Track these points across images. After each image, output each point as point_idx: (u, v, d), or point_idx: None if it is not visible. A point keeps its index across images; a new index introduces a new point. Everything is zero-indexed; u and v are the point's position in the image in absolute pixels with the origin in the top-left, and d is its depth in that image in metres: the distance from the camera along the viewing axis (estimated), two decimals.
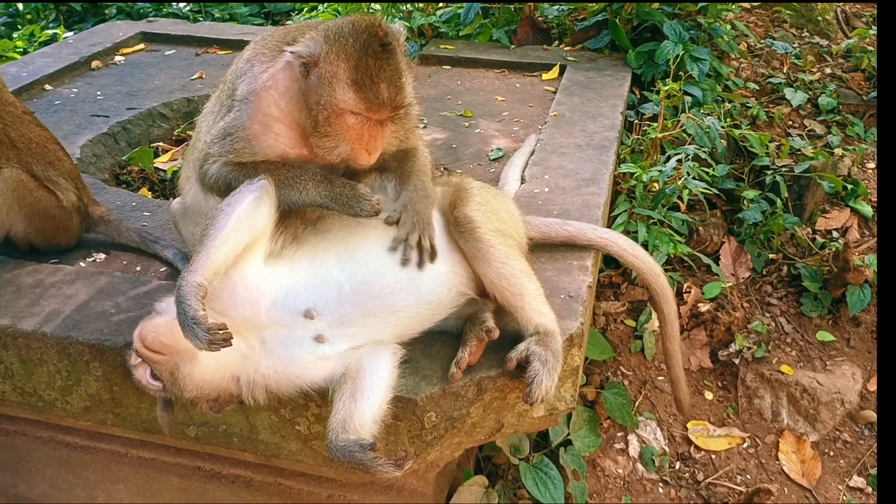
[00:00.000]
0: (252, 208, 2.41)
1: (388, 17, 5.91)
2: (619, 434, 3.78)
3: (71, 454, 3.32)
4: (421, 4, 6.17)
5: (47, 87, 4.99)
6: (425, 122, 4.53)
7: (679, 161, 3.93)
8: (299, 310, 2.42)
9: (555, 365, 2.42)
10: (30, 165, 3.12)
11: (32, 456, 3.39)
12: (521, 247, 2.70)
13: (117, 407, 2.77)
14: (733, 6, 5.52)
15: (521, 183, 3.67)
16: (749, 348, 3.99)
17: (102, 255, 3.25)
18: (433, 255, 2.52)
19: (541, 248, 3.01)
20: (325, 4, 7.14)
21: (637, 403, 3.87)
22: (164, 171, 4.36)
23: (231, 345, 2.17)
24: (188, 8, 8.84)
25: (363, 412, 2.33)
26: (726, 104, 4.81)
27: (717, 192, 4.29)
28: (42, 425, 3.28)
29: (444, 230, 2.63)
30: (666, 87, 4.21)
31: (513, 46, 5.61)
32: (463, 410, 2.51)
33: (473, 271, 2.59)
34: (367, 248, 2.52)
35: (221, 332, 2.16)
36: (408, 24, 5.79)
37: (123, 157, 4.43)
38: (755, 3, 5.94)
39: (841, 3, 6.09)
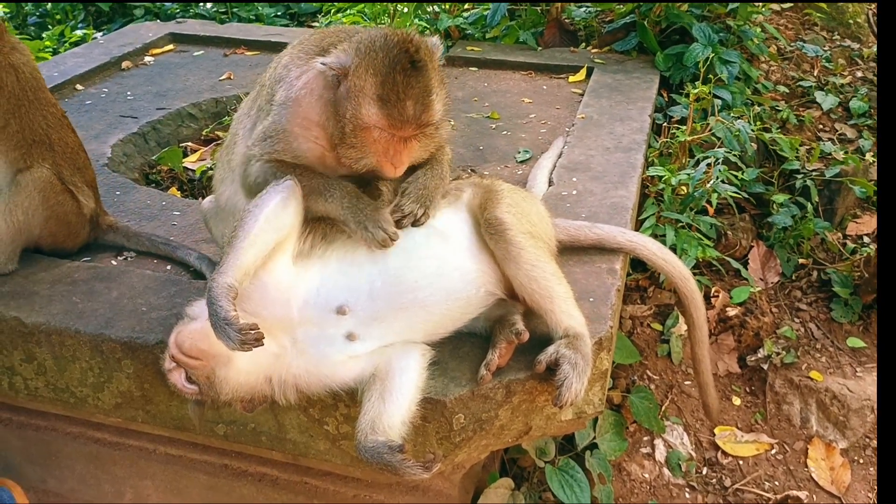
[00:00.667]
0: (279, 208, 2.43)
1: (415, 17, 5.91)
2: (645, 438, 3.76)
3: (100, 450, 3.35)
4: (447, 6, 6.18)
5: (79, 86, 5.06)
6: (453, 123, 4.53)
7: (708, 164, 3.90)
8: (331, 306, 2.44)
9: (584, 368, 2.41)
10: (61, 169, 3.15)
11: (62, 451, 3.43)
12: (550, 249, 2.69)
13: (148, 404, 2.80)
14: (763, 8, 5.46)
15: (549, 185, 3.66)
16: (778, 354, 3.95)
17: (133, 254, 3.28)
18: (418, 223, 2.54)
19: (569, 251, 3.00)
20: (351, 6, 7.16)
21: (664, 408, 3.84)
22: (193, 170, 4.40)
23: (263, 344, 2.19)
24: (215, 9, 8.90)
25: (392, 413, 2.34)
26: (756, 107, 4.77)
27: (746, 195, 4.25)
28: (72, 421, 3.32)
29: (474, 231, 2.62)
30: (696, 90, 4.18)
31: (539, 48, 5.60)
32: (491, 413, 2.50)
33: (503, 273, 2.59)
34: (398, 242, 2.52)
35: (253, 332, 2.17)
36: (434, 26, 5.80)
37: (153, 157, 4.48)
38: (785, 6, 5.87)
39: (872, 6, 6.00)
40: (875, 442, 3.79)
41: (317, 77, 2.52)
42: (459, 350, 2.59)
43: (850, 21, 5.89)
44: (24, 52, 3.14)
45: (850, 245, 4.35)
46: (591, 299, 2.78)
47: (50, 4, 9.03)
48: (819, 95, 5.12)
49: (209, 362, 2.30)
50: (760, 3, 5.43)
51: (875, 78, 5.38)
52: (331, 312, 2.44)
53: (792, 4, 5.93)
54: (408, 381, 2.39)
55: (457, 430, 2.49)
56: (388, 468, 2.25)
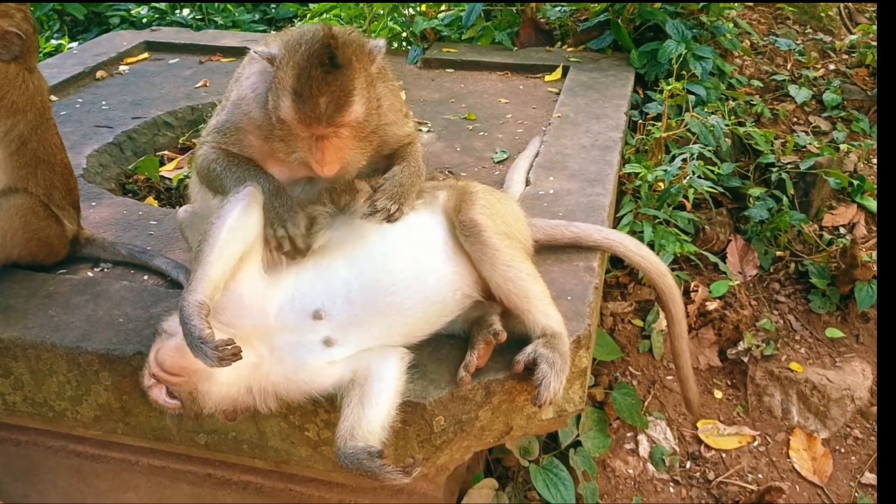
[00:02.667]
0: (242, 217, 2.43)
1: (390, 20, 5.91)
2: (628, 434, 3.78)
3: (82, 463, 3.33)
4: (423, 8, 6.18)
5: (53, 97, 5.00)
6: (429, 125, 4.53)
7: (684, 160, 3.92)
8: (308, 311, 2.44)
9: (563, 367, 2.42)
10: (55, 191, 3.14)
11: (44, 465, 3.40)
12: (526, 249, 2.70)
13: (127, 416, 2.79)
14: (736, 4, 5.51)
15: (526, 185, 3.67)
16: (758, 346, 3.98)
17: (110, 265, 3.26)
18: (392, 218, 2.53)
19: (547, 250, 3.01)
20: (329, 8, 7.14)
21: (646, 403, 3.87)
22: (170, 179, 4.38)
23: (241, 358, 2.19)
24: (192, 15, 8.87)
25: (371, 418, 2.34)
26: (730, 102, 4.80)
27: (722, 190, 4.28)
28: (53, 435, 3.29)
29: (450, 234, 2.63)
30: (669, 87, 4.21)
31: (515, 48, 5.61)
32: (472, 414, 2.51)
33: (479, 274, 2.59)
34: (374, 245, 2.53)
35: (230, 347, 2.18)
36: (410, 29, 5.80)
37: (129, 167, 4.45)
38: (757, 2, 5.92)
39: (844, 1, 6.08)
40: (856, 431, 3.83)
41: (259, 71, 2.53)
42: (439, 352, 2.59)
43: (822, 14, 5.95)
44: (41, 74, 3.14)
45: (827, 236, 4.40)
46: (569, 298, 2.79)
47: None
48: (793, 89, 5.17)
49: (191, 378, 2.30)
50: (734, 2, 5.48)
51: (847, 70, 5.43)
52: (307, 318, 2.44)
53: None
54: (387, 385, 2.39)
55: (437, 432, 2.49)
56: (368, 474, 2.25)
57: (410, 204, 2.60)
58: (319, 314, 2.44)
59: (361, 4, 6.34)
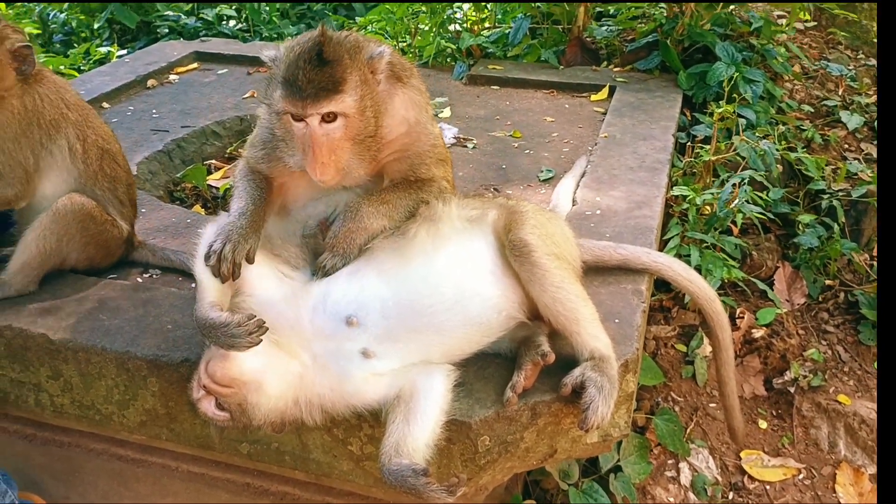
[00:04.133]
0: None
1: (437, 36, 5.93)
2: (669, 461, 3.71)
3: (123, 467, 3.35)
4: (469, 24, 6.20)
5: (105, 104, 5.12)
6: (475, 142, 4.53)
7: (734, 185, 3.87)
8: (340, 316, 2.45)
9: (611, 391, 2.39)
10: (118, 184, 3.21)
11: (85, 467, 3.43)
12: (575, 270, 2.67)
13: (172, 422, 2.80)
14: (786, 27, 5.44)
15: (573, 205, 3.65)
16: (805, 376, 3.89)
17: (158, 271, 3.29)
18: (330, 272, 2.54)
19: (594, 272, 2.98)
20: (374, 22, 7.21)
21: (689, 430, 3.80)
22: (217, 188, 4.43)
23: (267, 328, 2.27)
24: (237, 27, 9.01)
25: (416, 436, 2.33)
26: (780, 127, 4.74)
27: (771, 216, 4.21)
28: (96, 437, 3.32)
29: (498, 253, 2.61)
30: (720, 109, 4.16)
31: (561, 67, 5.60)
32: (517, 435, 2.48)
33: (526, 295, 2.57)
34: (410, 266, 2.53)
35: (251, 320, 2.25)
36: (456, 45, 5.82)
37: (177, 175, 4.51)
38: (809, 25, 5.84)
39: None
40: None
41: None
42: (484, 371, 2.57)
43: (875, 40, 5.85)
44: (48, 72, 3.18)
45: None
46: (616, 321, 2.76)
47: (75, 23, 9.17)
48: (844, 115, 5.08)
49: (241, 390, 2.32)
50: (784, 23, 5.41)
51: None
52: (340, 323, 2.45)
53: (816, 24, 5.90)
54: (432, 403, 2.38)
55: (482, 452, 2.47)
56: (412, 492, 2.23)
57: (356, 248, 2.57)
58: (352, 321, 2.44)
59: (407, 20, 6.39)
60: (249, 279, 2.53)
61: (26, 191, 3.01)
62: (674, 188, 4.01)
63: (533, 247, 2.51)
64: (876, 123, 5.07)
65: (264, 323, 2.30)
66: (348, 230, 2.56)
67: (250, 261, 2.46)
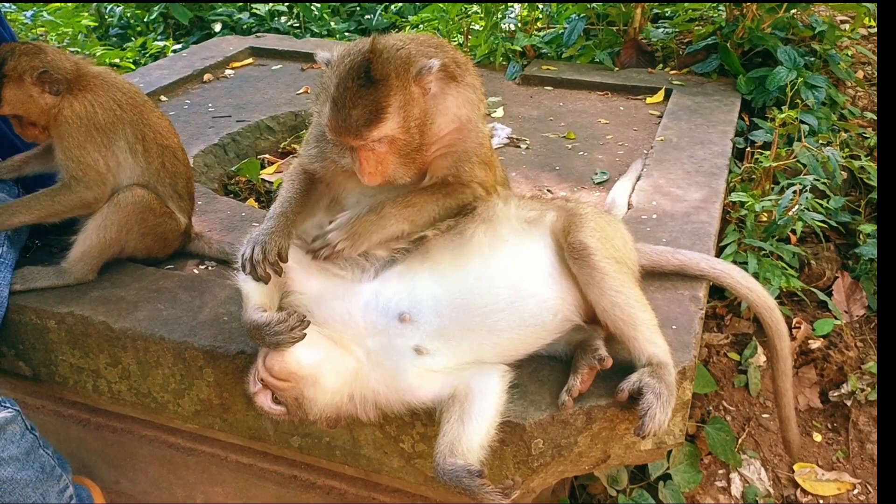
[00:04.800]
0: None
1: (490, 35, 5.91)
2: (720, 471, 3.65)
3: (174, 454, 3.41)
4: (521, 24, 6.17)
5: (163, 97, 5.20)
6: (528, 142, 4.51)
7: (795, 192, 3.78)
8: (393, 312, 2.45)
9: (668, 398, 2.35)
10: (178, 178, 3.26)
11: (137, 454, 3.50)
12: (634, 275, 2.63)
13: (226, 413, 2.83)
14: (851, 31, 5.30)
15: (628, 208, 3.60)
16: (862, 390, 3.79)
17: (214, 263, 3.33)
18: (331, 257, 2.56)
19: (651, 277, 2.94)
20: (426, 21, 7.21)
21: (740, 440, 3.72)
22: (271, 182, 4.47)
23: (308, 322, 2.33)
24: (289, 23, 9.10)
25: (471, 436, 2.31)
26: (842, 134, 4.62)
27: (831, 224, 4.11)
28: (148, 425, 3.38)
29: (556, 255, 2.59)
30: (782, 115, 4.07)
31: (616, 69, 5.54)
32: (571, 439, 2.46)
33: (583, 298, 2.54)
34: (466, 266, 2.52)
35: (292, 316, 2.31)
36: (510, 45, 5.79)
37: (232, 168, 4.56)
38: (872, 31, 5.69)
39: None
40: None
41: None
42: (539, 373, 2.55)
43: None
44: (104, 72, 3.23)
45: None
46: (673, 327, 2.71)
47: (131, 17, 9.35)
48: None
49: (298, 384, 2.33)
50: (848, 27, 5.28)
51: None
52: (393, 319, 2.45)
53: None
54: (487, 403, 2.37)
55: (535, 454, 2.45)
56: (467, 492, 2.22)
57: (366, 242, 2.56)
58: (405, 317, 2.44)
59: (460, 19, 6.38)
60: (297, 277, 2.55)
61: (104, 192, 3.07)
62: (731, 194, 3.93)
63: (592, 250, 2.47)
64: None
65: (305, 317, 2.33)
66: (368, 221, 2.56)
67: (283, 258, 2.47)
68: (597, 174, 4.07)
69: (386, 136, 2.37)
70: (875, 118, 5.05)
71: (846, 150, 4.37)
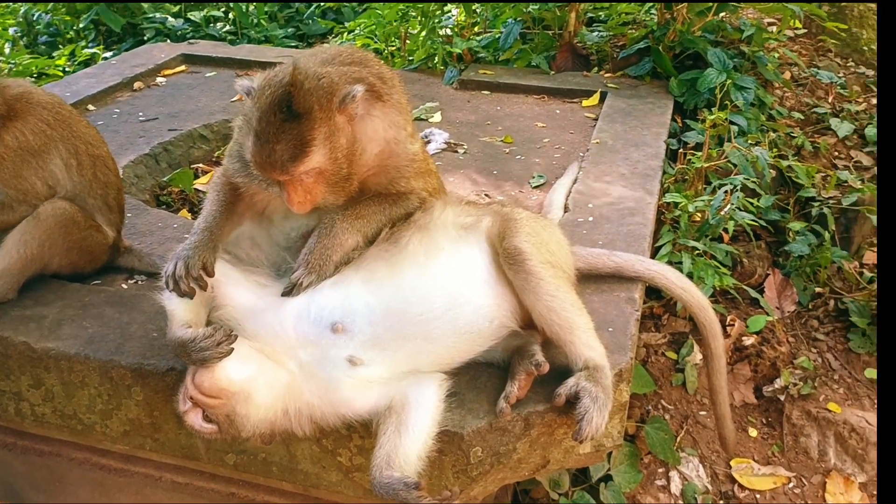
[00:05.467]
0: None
1: (427, 40, 5.90)
2: (660, 470, 3.68)
3: (105, 476, 3.29)
4: (458, 28, 6.17)
5: (90, 107, 5.05)
6: (465, 147, 4.50)
7: (726, 191, 3.85)
8: (325, 322, 2.41)
9: (605, 402, 2.36)
10: (109, 189, 3.19)
11: (67, 477, 3.36)
12: (570, 279, 2.64)
13: (156, 432, 2.75)
14: (778, 34, 5.44)
15: (565, 211, 3.62)
16: (795, 384, 3.88)
17: (144, 277, 3.24)
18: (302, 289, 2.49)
19: (587, 279, 2.96)
20: (362, 27, 7.16)
21: (679, 439, 3.77)
22: (204, 192, 4.36)
23: (235, 336, 2.31)
24: (225, 29, 8.94)
25: (408, 447, 2.29)
26: (771, 134, 4.73)
27: (762, 223, 4.20)
28: (77, 447, 3.25)
29: (492, 260, 2.58)
30: (712, 116, 4.14)
31: (552, 72, 5.58)
32: (509, 446, 2.44)
33: (519, 303, 2.54)
34: (401, 275, 2.49)
35: (218, 331, 2.27)
36: (447, 50, 5.79)
37: (164, 178, 4.44)
38: (799, 32, 5.85)
39: None
40: None
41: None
42: (477, 381, 2.53)
43: (865, 48, 5.87)
44: (26, 88, 3.13)
45: (868, 274, 4.29)
46: (609, 329, 2.73)
47: (61, 24, 9.07)
48: (834, 122, 5.09)
49: (229, 400, 2.28)
50: (775, 30, 5.42)
51: None
52: (325, 330, 2.41)
53: (806, 31, 5.91)
54: (424, 413, 2.34)
55: (474, 463, 2.43)
56: None
57: (332, 266, 2.52)
58: (338, 327, 2.40)
59: (396, 23, 6.34)
60: (225, 291, 2.50)
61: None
62: (666, 195, 3.98)
63: (527, 255, 2.47)
64: (866, 131, 5.07)
65: (233, 332, 2.30)
66: (323, 246, 2.52)
67: (209, 273, 2.42)
68: (534, 177, 4.08)
69: (312, 169, 2.34)
70: (802, 118, 5.19)
71: (774, 149, 4.48)
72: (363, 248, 2.57)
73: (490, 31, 6.22)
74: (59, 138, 3.02)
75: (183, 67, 5.93)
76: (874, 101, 5.41)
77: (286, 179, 2.35)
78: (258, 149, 2.31)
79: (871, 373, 3.99)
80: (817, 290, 4.29)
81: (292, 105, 2.27)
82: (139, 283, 3.21)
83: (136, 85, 5.45)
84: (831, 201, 4.40)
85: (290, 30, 9.27)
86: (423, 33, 5.98)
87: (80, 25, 8.84)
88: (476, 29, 6.38)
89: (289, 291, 2.48)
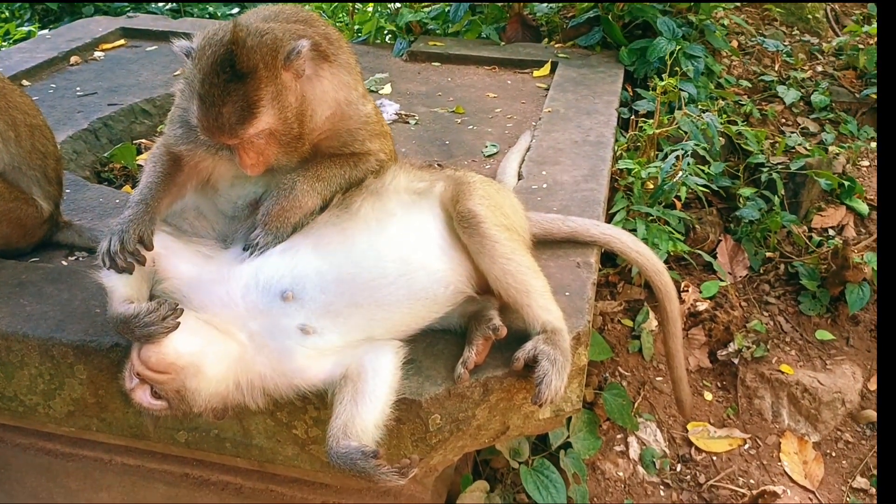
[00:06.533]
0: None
1: (375, 13, 5.79)
2: (618, 436, 3.70)
3: (52, 462, 3.17)
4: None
5: (25, 82, 4.82)
6: (417, 118, 4.43)
7: (677, 157, 3.86)
8: (275, 291, 2.34)
9: (564, 364, 2.34)
10: (48, 159, 3.05)
11: (11, 464, 3.24)
12: (525, 242, 2.61)
13: (103, 412, 2.64)
14: (724, 4, 5.47)
15: (518, 179, 3.59)
16: (748, 348, 3.93)
17: (85, 253, 3.11)
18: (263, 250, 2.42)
19: (542, 245, 2.92)
20: (309, 3, 7.01)
21: (636, 405, 3.79)
22: None
23: (181, 310, 2.22)
24: (168, 7, 8.69)
25: (365, 416, 2.23)
26: (720, 101, 4.76)
27: (713, 189, 4.23)
28: (22, 432, 3.13)
29: (446, 225, 2.53)
30: (663, 83, 4.14)
31: (502, 43, 5.53)
32: (469, 412, 2.41)
33: (475, 268, 2.50)
34: (352, 240, 2.43)
35: (163, 305, 2.19)
36: (395, 22, 5.69)
37: (105, 154, 4.28)
38: (748, 2, 5.90)
39: (831, 3, 6.07)
40: (847, 435, 3.79)
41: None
42: (434, 348, 2.49)
43: (809, 16, 5.95)
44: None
45: (816, 238, 4.36)
46: (566, 293, 2.70)
47: None
48: (781, 90, 5.14)
49: (178, 375, 2.19)
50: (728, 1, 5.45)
51: (835, 72, 5.42)
52: (275, 298, 2.34)
53: None
54: (381, 382, 2.29)
55: (433, 431, 2.39)
56: (362, 475, 2.14)
57: (290, 227, 2.45)
58: (288, 295, 2.34)
59: None
60: (167, 264, 2.42)
61: None
62: (618, 162, 3.98)
63: (482, 217, 2.43)
64: (812, 98, 5.14)
65: (178, 304, 2.22)
66: (282, 208, 2.45)
67: (147, 246, 2.33)
68: (486, 147, 4.03)
69: (262, 130, 2.25)
70: (750, 86, 5.24)
71: (724, 116, 4.50)
72: (316, 214, 2.49)
73: (439, 3, 6.13)
74: None
75: (122, 42, 5.71)
76: (819, 68, 5.49)
77: (236, 143, 2.26)
78: (204, 113, 2.21)
79: (822, 334, 4.07)
80: (768, 254, 4.35)
81: (236, 64, 2.17)
82: (79, 259, 3.08)
83: (73, 59, 5.23)
84: (780, 167, 4.45)
85: (235, 8, 9.06)
86: (371, 6, 5.86)
87: (16, 5, 8.50)
88: (425, 1, 6.28)
89: (245, 250, 2.41)
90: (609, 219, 3.79)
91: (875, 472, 3.65)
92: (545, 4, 6.00)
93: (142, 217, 2.35)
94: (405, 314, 2.43)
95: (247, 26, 2.24)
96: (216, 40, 2.22)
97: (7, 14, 8.60)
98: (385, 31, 5.70)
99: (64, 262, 3.05)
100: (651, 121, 4.21)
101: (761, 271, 4.32)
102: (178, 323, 2.18)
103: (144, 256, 2.31)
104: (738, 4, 5.89)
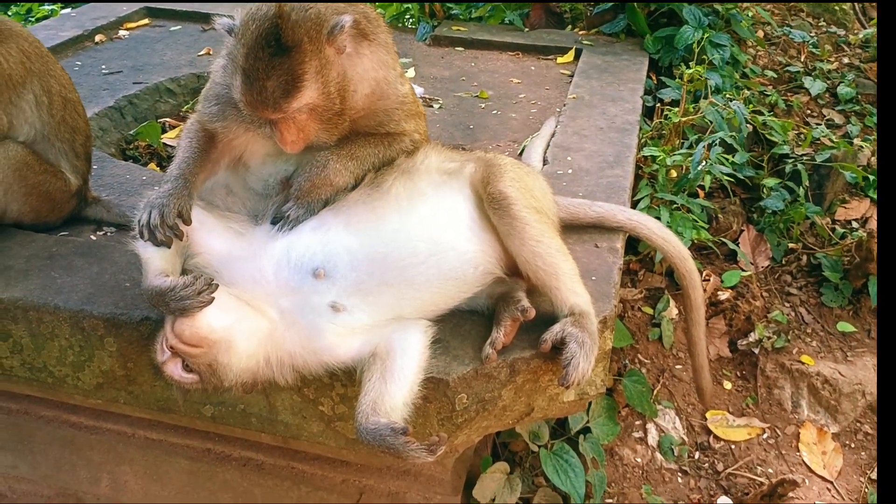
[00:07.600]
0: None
1: None
2: (637, 423, 3.71)
3: (76, 434, 3.21)
4: None
5: None
6: (441, 102, 4.43)
7: (705, 146, 3.84)
8: (306, 269, 2.35)
9: (591, 347, 2.34)
10: (77, 134, 3.08)
11: (35, 436, 3.28)
12: (554, 225, 2.61)
13: (131, 384, 2.67)
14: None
15: (544, 164, 3.58)
16: (769, 338, 3.92)
17: (114, 229, 3.13)
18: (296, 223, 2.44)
19: (569, 229, 2.91)
20: None
21: (655, 392, 3.79)
22: (173, 146, 4.23)
23: (216, 285, 2.24)
24: None
25: (394, 394, 2.24)
26: (745, 92, 4.73)
27: (738, 179, 4.21)
28: (47, 404, 3.18)
29: (476, 207, 2.53)
30: (689, 72, 4.12)
31: (526, 29, 5.51)
32: (495, 392, 2.42)
33: (504, 250, 2.50)
34: (383, 219, 2.44)
35: (199, 280, 2.20)
36: (419, 6, 5.67)
37: (130, 132, 4.30)
38: (773, 1, 5.85)
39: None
40: (866, 427, 3.78)
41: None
42: (461, 328, 2.50)
43: (836, 8, 5.89)
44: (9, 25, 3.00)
45: (840, 230, 4.34)
46: (593, 278, 2.71)
47: None
48: (807, 81, 5.11)
49: (210, 349, 2.21)
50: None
51: (861, 64, 5.38)
52: (307, 275, 2.35)
53: None
54: (409, 360, 2.30)
55: (459, 410, 2.40)
56: (391, 451, 2.15)
57: (322, 202, 2.47)
58: (320, 273, 2.35)
59: None
60: (201, 238, 2.42)
61: None
62: (643, 149, 3.96)
63: (512, 199, 2.43)
64: (838, 90, 5.10)
65: (213, 280, 2.23)
66: (313, 184, 2.46)
67: (186, 220, 2.34)
68: (511, 132, 4.02)
69: (306, 104, 2.26)
70: (775, 76, 5.20)
71: (749, 106, 4.47)
72: (347, 192, 2.50)
73: None
74: (36, 73, 2.89)
75: (146, 21, 5.72)
76: (845, 60, 5.44)
77: (279, 118, 2.27)
78: (248, 87, 2.22)
79: (844, 326, 4.05)
80: (790, 245, 4.33)
81: (281, 38, 2.18)
82: (108, 234, 3.10)
83: (98, 38, 5.25)
84: (805, 158, 4.42)
85: None
86: None
87: None
88: None
89: (277, 222, 2.42)
90: (633, 206, 3.77)
91: None
92: None
93: (181, 192, 2.36)
94: (434, 294, 2.43)
95: (290, 4, 2.24)
96: (260, 15, 2.22)
97: None
98: (408, 15, 5.69)
99: (93, 237, 3.07)
100: (676, 109, 4.19)
101: (783, 262, 4.30)
102: (213, 298, 2.19)
103: (183, 231, 2.32)
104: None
